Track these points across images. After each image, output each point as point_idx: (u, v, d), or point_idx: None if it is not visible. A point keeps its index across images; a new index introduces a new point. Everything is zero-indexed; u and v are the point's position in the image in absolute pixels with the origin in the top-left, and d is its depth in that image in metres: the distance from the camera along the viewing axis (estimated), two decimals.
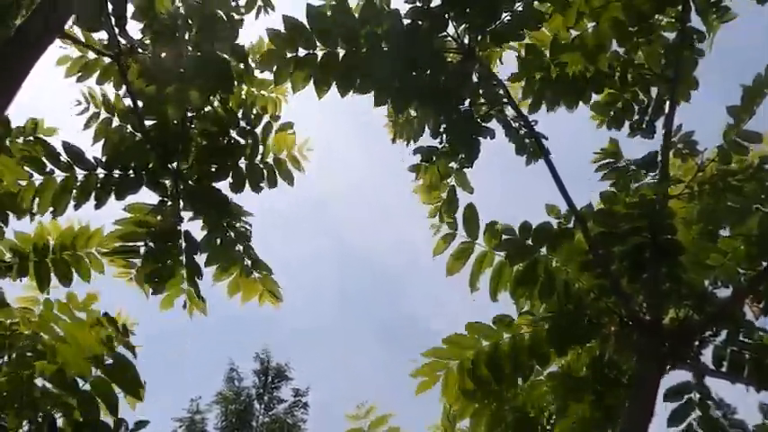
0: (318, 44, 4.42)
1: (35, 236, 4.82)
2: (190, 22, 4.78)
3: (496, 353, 4.41)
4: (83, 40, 4.95)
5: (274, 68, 4.48)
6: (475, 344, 4.44)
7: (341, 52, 4.46)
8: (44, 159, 4.71)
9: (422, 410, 5.17)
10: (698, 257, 4.51)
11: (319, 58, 4.45)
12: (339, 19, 4.39)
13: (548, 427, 4.69)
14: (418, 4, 4.51)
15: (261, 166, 5.20)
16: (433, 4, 4.52)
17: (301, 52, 4.44)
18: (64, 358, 3.86)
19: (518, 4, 4.57)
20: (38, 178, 4.72)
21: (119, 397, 3.83)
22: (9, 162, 4.59)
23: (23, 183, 4.67)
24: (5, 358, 4.02)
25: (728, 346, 4.43)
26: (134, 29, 4.76)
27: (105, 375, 3.83)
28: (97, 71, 5.10)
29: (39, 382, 3.88)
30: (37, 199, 4.70)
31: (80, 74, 5.10)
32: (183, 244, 5.00)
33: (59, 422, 3.81)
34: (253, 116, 5.22)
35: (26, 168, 4.67)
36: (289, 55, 4.43)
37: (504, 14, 4.57)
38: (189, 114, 5.05)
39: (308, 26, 4.35)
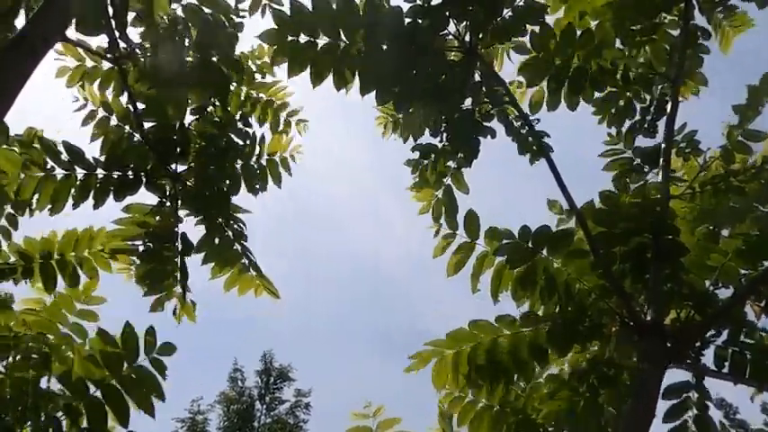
0: (321, 33, 4.40)
1: (42, 241, 4.79)
2: (190, 25, 4.77)
3: (496, 346, 4.41)
4: (82, 44, 4.92)
5: (274, 47, 4.46)
6: (475, 338, 4.43)
7: (342, 44, 4.44)
8: (45, 157, 4.68)
9: (420, 411, 5.16)
10: (699, 258, 4.47)
11: (320, 47, 4.43)
12: (342, 12, 4.37)
13: (550, 430, 4.66)
14: (419, 2, 4.48)
15: (255, 167, 5.19)
16: (433, 2, 4.49)
17: (303, 38, 4.42)
18: (74, 360, 3.81)
19: (519, 0, 4.53)
20: (38, 174, 4.70)
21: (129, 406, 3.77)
22: (11, 155, 4.58)
23: (23, 176, 4.66)
24: (10, 360, 3.99)
25: (730, 346, 4.40)
26: (134, 33, 4.76)
27: (120, 385, 3.76)
28: (98, 79, 5.10)
29: (43, 384, 3.85)
30: (36, 195, 4.69)
31: (81, 83, 5.11)
32: (180, 246, 4.98)
33: (63, 425, 3.77)
34: (259, 112, 5.22)
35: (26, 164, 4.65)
36: (290, 38, 4.42)
37: (506, 11, 4.54)
38: (188, 116, 5.04)
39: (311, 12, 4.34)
